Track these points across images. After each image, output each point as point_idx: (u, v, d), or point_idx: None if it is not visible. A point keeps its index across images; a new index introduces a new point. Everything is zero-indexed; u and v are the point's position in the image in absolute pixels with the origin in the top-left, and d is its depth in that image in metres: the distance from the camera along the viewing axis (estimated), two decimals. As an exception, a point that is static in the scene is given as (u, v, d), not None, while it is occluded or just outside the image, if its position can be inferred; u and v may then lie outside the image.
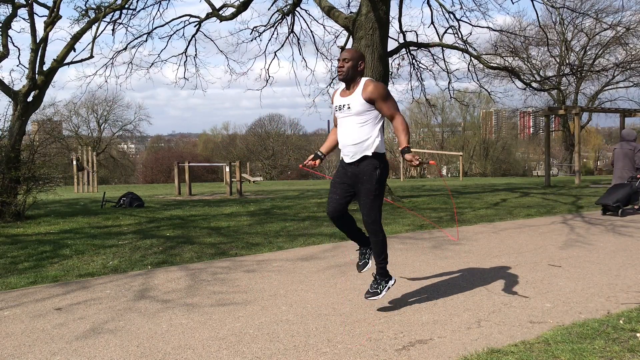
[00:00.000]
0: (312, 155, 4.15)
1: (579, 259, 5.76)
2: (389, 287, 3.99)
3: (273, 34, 16.74)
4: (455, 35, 15.51)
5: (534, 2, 13.88)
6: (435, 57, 16.69)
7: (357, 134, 3.80)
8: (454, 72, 16.95)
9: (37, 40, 10.55)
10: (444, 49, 16.02)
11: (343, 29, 13.49)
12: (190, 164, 16.45)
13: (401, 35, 15.52)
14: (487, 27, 15.63)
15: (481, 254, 6.12)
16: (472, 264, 5.59)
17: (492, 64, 16.44)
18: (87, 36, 54.65)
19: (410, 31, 16.11)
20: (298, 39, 16.97)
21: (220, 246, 6.85)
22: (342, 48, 14.70)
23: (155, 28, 15.56)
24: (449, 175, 48.31)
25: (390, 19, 12.74)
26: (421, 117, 52.19)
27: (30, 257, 6.26)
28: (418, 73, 16.98)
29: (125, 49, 15.17)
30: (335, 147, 4.16)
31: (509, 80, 22.57)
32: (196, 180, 29.21)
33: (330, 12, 13.10)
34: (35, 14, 11.51)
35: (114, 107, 47.53)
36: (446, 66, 16.76)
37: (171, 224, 8.92)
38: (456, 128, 54.82)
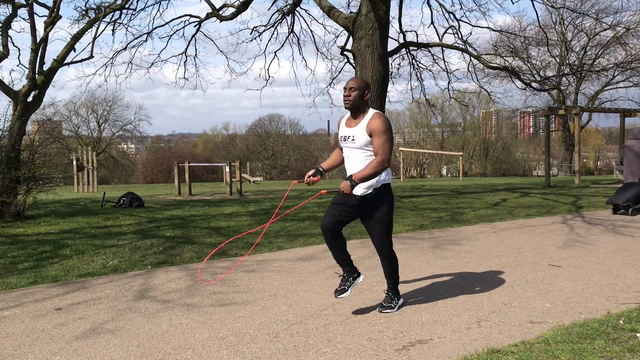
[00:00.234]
0: (312, 171, 4.03)
1: (579, 259, 5.76)
2: (399, 305, 4.04)
3: (273, 33, 16.73)
4: (455, 35, 15.50)
5: (534, 2, 13.87)
6: (435, 57, 16.69)
7: (363, 165, 3.76)
8: (454, 72, 16.95)
9: (37, 40, 10.55)
10: (444, 49, 16.02)
11: (343, 29, 13.50)
12: (190, 164, 16.45)
13: (401, 35, 15.52)
14: (487, 27, 15.62)
15: (481, 254, 6.12)
16: (472, 264, 5.59)
17: (492, 64, 16.43)
18: (87, 36, 54.59)
19: (410, 31, 16.11)
20: (298, 39, 16.97)
21: (220, 246, 6.85)
22: (343, 48, 14.71)
23: (155, 28, 15.55)
24: (449, 175, 48.31)
25: (390, 19, 12.74)
26: (421, 117, 52.19)
27: (30, 257, 6.26)
28: (418, 73, 16.98)
29: (125, 49, 15.16)
30: (336, 167, 4.13)
31: (509, 81, 22.58)
32: (196, 180, 29.21)
33: (330, 12, 13.10)
34: (35, 14, 11.51)
35: (114, 107, 47.55)
36: (446, 66, 16.75)
37: (171, 224, 8.92)
38: (456, 128, 54.81)
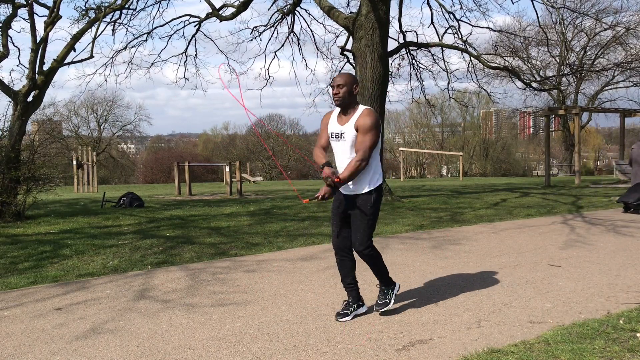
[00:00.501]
0: (330, 170, 3.65)
1: (579, 259, 5.76)
2: (395, 294, 3.94)
3: (273, 33, 16.76)
4: (455, 35, 15.52)
5: (534, 2, 13.89)
6: (435, 57, 16.71)
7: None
8: (454, 72, 16.98)
9: (37, 40, 10.55)
10: (444, 49, 16.04)
11: (343, 28, 13.50)
12: (190, 164, 16.45)
13: (401, 35, 15.53)
14: (487, 27, 15.65)
15: (481, 254, 6.12)
16: (472, 264, 5.59)
17: (492, 64, 16.44)
18: (87, 36, 54.57)
19: (410, 31, 16.12)
20: (298, 39, 16.98)
21: (220, 246, 6.85)
22: (343, 48, 14.72)
23: (155, 28, 15.58)
24: (449, 175, 48.30)
25: (390, 19, 12.74)
26: (421, 117, 52.20)
27: (30, 257, 6.25)
28: (418, 73, 17.00)
29: (125, 48, 15.18)
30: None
31: (509, 80, 22.60)
32: (196, 180, 29.21)
33: (330, 12, 13.10)
34: (35, 14, 11.51)
35: (114, 107, 47.56)
36: (446, 66, 16.77)
37: (171, 224, 8.92)
38: (456, 128, 54.82)
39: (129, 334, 3.60)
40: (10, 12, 10.57)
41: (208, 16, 14.92)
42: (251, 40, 20.10)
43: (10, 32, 10.58)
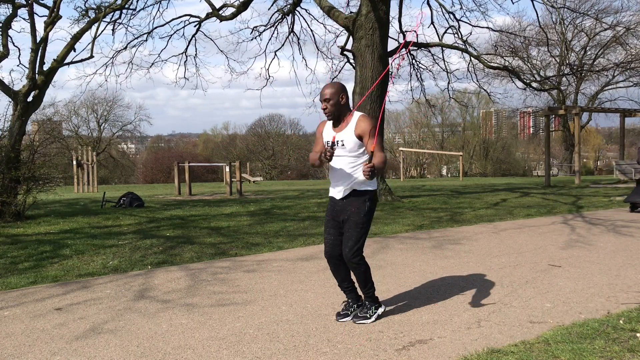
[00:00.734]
0: (329, 145, 3.68)
1: (579, 259, 5.76)
2: (378, 315, 3.81)
3: (273, 33, 16.76)
4: (455, 35, 15.52)
5: (534, 2, 13.89)
6: (435, 57, 16.71)
7: (351, 172, 3.69)
8: (454, 72, 16.98)
9: (37, 40, 10.55)
10: (444, 49, 16.04)
11: (343, 28, 13.50)
12: (190, 164, 16.45)
13: (401, 35, 15.53)
14: (487, 27, 15.64)
15: (481, 254, 6.12)
16: (472, 264, 5.59)
17: (492, 64, 16.44)
18: (87, 36, 54.62)
19: (410, 31, 16.11)
20: (298, 39, 16.99)
21: (220, 246, 6.85)
22: (343, 48, 14.72)
23: (155, 28, 15.57)
24: (449, 175, 48.30)
25: (390, 19, 12.75)
26: (421, 117, 52.19)
27: (30, 257, 6.25)
28: (418, 73, 17.00)
29: (125, 48, 15.18)
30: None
31: (509, 80, 22.58)
32: (196, 180, 29.21)
33: (330, 12, 13.11)
34: (35, 14, 11.52)
35: (114, 107, 47.57)
36: (446, 66, 16.78)
37: (171, 224, 8.92)
38: (456, 128, 54.82)
39: (129, 334, 3.60)
40: (10, 12, 10.57)
41: (208, 16, 14.92)
42: (251, 40, 20.13)
43: (10, 32, 10.58)
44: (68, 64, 11.42)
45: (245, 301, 4.33)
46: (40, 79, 10.60)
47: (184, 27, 15.91)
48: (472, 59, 15.94)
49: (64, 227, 8.63)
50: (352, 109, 3.82)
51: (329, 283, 4.86)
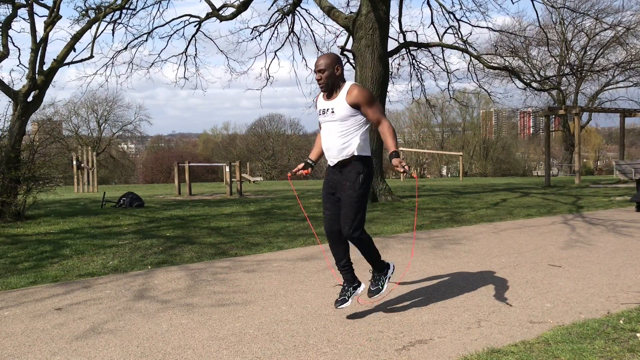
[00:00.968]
0: (302, 164, 3.93)
1: (579, 259, 5.76)
2: (389, 277, 3.89)
3: (273, 33, 16.76)
4: (455, 35, 15.52)
5: (534, 2, 13.89)
6: (435, 57, 16.71)
7: (341, 139, 3.68)
8: (454, 72, 16.98)
9: (37, 40, 10.55)
10: (444, 49, 16.04)
11: (343, 29, 13.50)
12: (190, 164, 16.45)
13: (401, 35, 15.54)
14: (487, 27, 15.64)
15: (481, 254, 6.12)
16: (472, 264, 5.59)
17: (492, 64, 16.45)
18: (87, 36, 54.62)
19: (410, 31, 16.13)
20: (298, 39, 16.99)
21: (220, 246, 6.85)
22: (343, 48, 14.72)
23: (155, 28, 15.58)
24: (449, 175, 48.31)
25: (390, 19, 12.75)
26: (421, 117, 52.20)
27: (30, 257, 6.25)
28: (418, 73, 17.00)
29: (125, 48, 15.18)
30: (322, 154, 3.97)
31: (509, 80, 22.61)
32: (196, 180, 29.21)
33: (330, 12, 13.11)
34: (35, 14, 11.52)
35: (114, 107, 47.59)
36: (446, 66, 16.78)
37: (171, 224, 8.92)
38: (456, 128, 54.84)
39: (129, 334, 3.60)
40: (10, 12, 10.57)
41: (208, 16, 14.92)
42: (251, 40, 20.13)
43: (10, 32, 10.58)
44: (68, 64, 11.42)
45: (245, 301, 4.33)
46: (40, 79, 10.60)
47: (184, 27, 15.91)
48: (472, 59, 15.95)
49: (64, 227, 8.63)
50: (345, 80, 3.79)
51: (329, 283, 4.86)
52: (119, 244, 7.01)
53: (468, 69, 16.53)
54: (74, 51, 11.31)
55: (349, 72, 14.65)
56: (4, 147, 9.48)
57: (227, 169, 15.62)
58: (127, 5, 13.00)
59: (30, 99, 10.58)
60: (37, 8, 12.09)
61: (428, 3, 15.52)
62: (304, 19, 18.44)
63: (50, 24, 10.65)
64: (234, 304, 4.27)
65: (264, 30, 16.67)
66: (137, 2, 16.13)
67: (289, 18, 16.24)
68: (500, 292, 4.48)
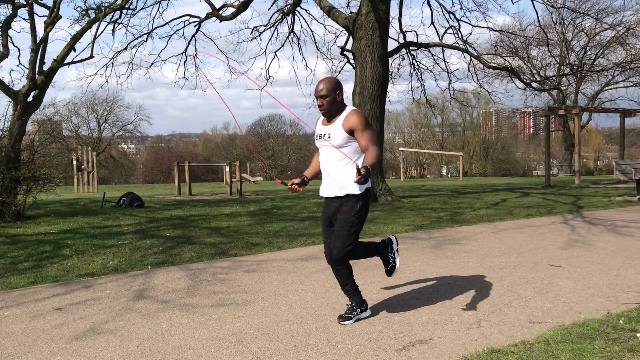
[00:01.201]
0: (298, 180, 3.90)
1: (579, 259, 5.76)
2: (360, 318, 3.77)
3: (273, 33, 16.76)
4: (455, 35, 15.52)
5: (534, 2, 13.89)
6: (435, 57, 16.71)
7: (339, 168, 3.65)
8: (454, 72, 16.98)
9: (37, 40, 10.55)
10: (444, 49, 16.04)
11: (343, 29, 13.50)
12: (190, 164, 16.45)
13: (401, 35, 15.54)
14: (487, 27, 15.64)
15: (481, 254, 6.12)
16: (472, 264, 5.59)
17: (492, 64, 16.44)
18: (87, 36, 54.62)
19: (410, 31, 16.14)
20: (298, 39, 16.99)
21: (220, 246, 6.85)
22: (343, 48, 14.72)
23: (155, 28, 15.58)
24: (449, 175, 48.30)
25: (390, 19, 12.75)
26: (421, 117, 52.18)
27: (30, 257, 6.25)
28: (418, 73, 17.00)
29: (125, 49, 15.18)
30: (319, 172, 3.94)
31: (509, 80, 22.61)
32: (196, 180, 29.21)
33: (330, 12, 13.11)
34: (35, 14, 11.52)
35: (114, 107, 47.56)
36: (446, 66, 16.78)
37: (171, 224, 8.92)
38: (456, 128, 54.83)
39: (129, 334, 3.60)
40: (10, 12, 10.57)
41: (208, 16, 14.92)
42: (251, 40, 20.13)
43: (10, 32, 10.59)
44: (68, 64, 11.42)
45: (245, 301, 4.33)
46: (40, 79, 10.60)
47: (183, 27, 15.91)
48: (472, 59, 15.94)
49: (64, 227, 8.63)
50: (346, 105, 3.78)
51: (329, 283, 4.86)
52: (119, 244, 7.01)
53: (468, 69, 16.54)
54: (74, 51, 11.32)
55: (349, 72, 14.66)
56: (4, 147, 9.48)
57: (227, 169, 15.62)
58: (127, 5, 13.00)
59: (30, 99, 10.57)
60: (37, 8, 12.10)
61: (428, 3, 15.52)
62: (304, 19, 18.48)
63: (50, 24, 10.65)
64: (234, 304, 4.27)
65: (264, 31, 16.68)
66: (137, 2, 16.15)
67: (289, 18, 16.25)
68: (500, 292, 4.48)
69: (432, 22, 15.77)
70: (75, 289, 4.80)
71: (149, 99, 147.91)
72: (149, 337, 3.53)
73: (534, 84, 21.34)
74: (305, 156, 47.79)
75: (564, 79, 30.10)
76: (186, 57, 16.57)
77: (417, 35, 16.09)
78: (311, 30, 27.10)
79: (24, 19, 11.21)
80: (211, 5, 14.63)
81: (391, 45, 13.67)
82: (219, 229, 8.34)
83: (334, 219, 3.76)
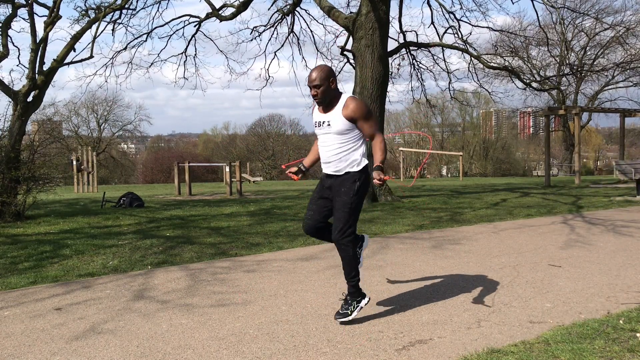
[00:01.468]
0: (295, 168, 3.98)
1: (579, 259, 5.76)
2: (360, 307, 3.72)
3: (273, 33, 16.76)
4: (455, 35, 15.52)
5: (534, 2, 13.89)
6: (435, 57, 16.72)
7: (339, 153, 3.67)
8: (454, 72, 16.99)
9: (37, 40, 10.55)
10: (444, 49, 16.04)
11: (343, 29, 13.50)
12: (190, 164, 16.45)
13: (401, 35, 15.54)
14: (487, 27, 15.64)
15: (481, 254, 6.12)
16: (472, 264, 5.59)
17: (492, 64, 16.44)
18: (87, 36, 54.63)
19: (410, 31, 16.13)
20: (298, 39, 16.99)
21: (220, 246, 6.85)
22: (343, 48, 14.72)
23: (155, 28, 15.56)
24: (449, 175, 48.31)
25: (390, 19, 12.74)
26: (421, 117, 52.19)
27: (30, 257, 6.25)
28: (418, 73, 17.00)
29: (125, 48, 15.18)
30: (318, 160, 3.97)
31: (509, 80, 22.61)
32: (196, 180, 29.21)
33: (330, 12, 13.10)
34: (35, 14, 11.52)
35: (114, 107, 47.55)
36: (446, 66, 16.78)
37: (171, 224, 8.92)
38: (456, 128, 54.83)
39: (129, 334, 3.60)
40: (10, 12, 10.57)
41: (208, 16, 14.92)
42: (251, 40, 20.16)
43: (10, 32, 10.58)
44: (68, 64, 11.42)
45: (245, 301, 4.33)
46: (40, 79, 10.60)
47: (183, 27, 15.90)
48: (472, 59, 15.94)
49: (64, 227, 8.63)
50: (341, 92, 3.76)
51: (329, 283, 4.86)
52: (119, 244, 7.01)
53: (468, 69, 16.55)
54: (74, 51, 11.32)
55: (349, 72, 14.67)
56: (4, 147, 9.48)
57: (227, 169, 15.62)
58: (127, 5, 13.00)
59: (30, 99, 10.57)
60: (37, 8, 12.10)
61: (428, 3, 15.52)
62: (304, 19, 18.47)
63: (50, 24, 10.65)
64: (234, 304, 4.27)
65: (264, 31, 16.68)
66: (137, 2, 16.13)
67: (289, 18, 16.25)
68: (500, 292, 4.48)
69: (432, 22, 15.78)
70: (75, 289, 4.80)
71: (148, 99, 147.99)
72: (149, 337, 3.53)
73: (534, 84, 21.35)
74: (305, 156, 47.70)
75: (564, 79, 30.11)
76: (186, 57, 16.58)
77: (417, 35, 16.10)
78: (311, 31, 27.15)
79: (24, 19, 11.21)
80: (211, 5, 14.63)
81: (391, 45, 13.68)
82: (219, 229, 8.34)
83: (327, 197, 3.76)
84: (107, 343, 3.43)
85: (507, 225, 8.45)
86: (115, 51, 15.28)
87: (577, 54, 31.75)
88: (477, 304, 4.14)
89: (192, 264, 5.85)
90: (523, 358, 3.01)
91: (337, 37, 17.21)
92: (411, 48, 15.80)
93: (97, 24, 11.86)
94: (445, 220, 9.03)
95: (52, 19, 10.63)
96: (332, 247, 6.68)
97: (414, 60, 16.67)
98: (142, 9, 14.41)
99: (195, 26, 15.71)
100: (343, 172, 3.70)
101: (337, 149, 3.68)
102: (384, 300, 4.27)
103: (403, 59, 16.42)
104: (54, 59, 11.10)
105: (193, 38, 16.11)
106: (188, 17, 15.60)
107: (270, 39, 33.28)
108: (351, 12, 13.80)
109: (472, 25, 15.70)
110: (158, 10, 20.39)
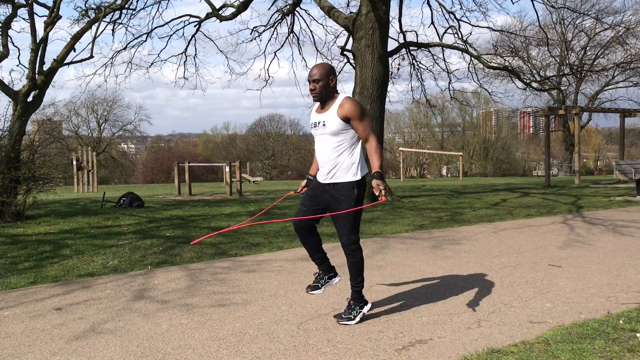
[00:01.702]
0: (304, 181, 4.04)
1: (579, 259, 5.76)
2: (363, 314, 3.75)
3: (273, 34, 16.77)
4: (455, 35, 15.53)
5: (534, 2, 13.89)
6: (435, 57, 16.72)
7: (334, 156, 3.66)
8: (454, 72, 16.99)
9: (37, 40, 10.55)
10: (444, 49, 16.04)
11: (343, 29, 13.50)
12: (190, 164, 16.45)
13: (401, 35, 15.54)
14: (487, 27, 15.64)
15: (481, 254, 6.12)
16: (472, 264, 5.59)
17: (492, 64, 16.45)
18: (87, 36, 54.62)
19: (410, 31, 16.14)
20: (298, 39, 16.99)
21: (220, 246, 6.85)
22: (343, 48, 14.72)
23: (155, 28, 15.57)
24: (449, 175, 48.30)
25: (390, 19, 12.75)
26: (421, 117, 52.18)
27: (30, 257, 6.25)
28: (418, 73, 17.00)
29: (125, 48, 15.19)
30: None
31: (509, 80, 22.61)
32: (196, 180, 29.20)
33: (330, 12, 13.11)
34: (35, 14, 11.52)
35: (114, 107, 47.55)
36: (446, 66, 16.79)
37: (171, 224, 8.92)
38: (456, 128, 54.83)
39: (128, 334, 3.60)
40: (10, 12, 10.57)
41: (208, 16, 14.92)
42: (251, 40, 20.14)
43: (10, 32, 10.58)
44: (68, 64, 11.42)
45: (245, 301, 4.33)
46: (40, 79, 10.60)
47: (183, 27, 15.91)
48: (472, 59, 15.95)
49: (64, 227, 8.63)
50: (339, 92, 3.77)
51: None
52: (119, 244, 7.01)
53: (468, 69, 16.55)
54: (74, 51, 11.32)
55: (349, 72, 14.65)
56: (4, 147, 9.48)
57: (227, 169, 15.62)
58: (127, 5, 13.00)
59: (30, 99, 10.57)
60: (37, 8, 12.10)
61: (428, 3, 15.53)
62: (304, 19, 18.47)
63: (50, 24, 10.65)
64: (234, 304, 4.27)
65: (264, 31, 16.68)
66: (137, 2, 16.11)
67: (289, 18, 16.25)
68: (500, 292, 4.48)
69: (432, 22, 15.79)
70: (75, 289, 4.80)
71: (148, 99, 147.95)
72: (149, 337, 3.53)
73: (534, 84, 21.35)
74: (305, 156, 47.80)
75: (564, 79, 30.12)
76: (186, 57, 16.58)
77: (417, 35, 16.10)
78: (311, 31, 27.14)
79: (24, 19, 11.22)
80: (211, 5, 14.63)
81: (391, 45, 13.68)
82: (219, 229, 8.33)
83: (322, 201, 3.76)
84: (107, 343, 3.43)
85: (507, 225, 8.45)
86: (115, 51, 15.31)
87: (577, 54, 31.76)
88: (477, 304, 4.14)
89: (192, 264, 5.85)
90: (523, 358, 3.01)
91: (337, 37, 17.22)
92: (411, 48, 15.81)
93: (97, 24, 11.87)
94: (445, 220, 9.03)
95: (52, 19, 10.64)
96: (332, 247, 6.68)
97: (414, 60, 16.68)
98: (142, 9, 14.42)
99: (195, 26, 15.73)
100: (339, 180, 3.67)
101: (333, 151, 3.67)
102: (384, 300, 4.27)
103: (403, 59, 16.43)
104: (54, 59, 11.10)
105: (193, 38, 16.12)
106: (188, 17, 15.62)
107: (270, 39, 33.33)
108: (351, 12, 13.80)
109: (472, 25, 15.74)
110: (158, 10, 20.38)
